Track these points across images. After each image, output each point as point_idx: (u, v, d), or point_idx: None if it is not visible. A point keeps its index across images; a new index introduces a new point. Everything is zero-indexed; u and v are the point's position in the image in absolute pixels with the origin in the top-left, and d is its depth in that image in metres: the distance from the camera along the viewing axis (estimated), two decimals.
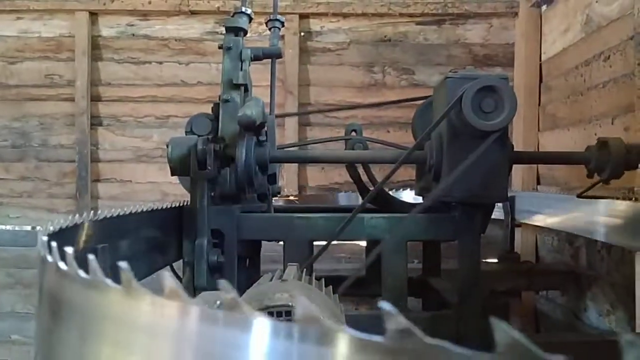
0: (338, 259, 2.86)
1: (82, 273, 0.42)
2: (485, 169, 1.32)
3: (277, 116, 1.89)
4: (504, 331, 0.31)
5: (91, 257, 0.41)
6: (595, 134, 1.95)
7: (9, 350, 3.00)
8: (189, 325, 0.35)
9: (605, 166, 1.42)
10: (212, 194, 1.43)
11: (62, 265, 0.46)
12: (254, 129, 1.35)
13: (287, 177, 2.91)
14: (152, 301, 0.36)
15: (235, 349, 0.33)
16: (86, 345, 0.41)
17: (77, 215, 0.97)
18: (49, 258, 0.49)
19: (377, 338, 0.30)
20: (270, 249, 1.86)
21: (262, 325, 0.33)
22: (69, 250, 0.45)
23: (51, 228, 0.78)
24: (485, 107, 1.26)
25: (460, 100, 1.25)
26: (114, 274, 0.45)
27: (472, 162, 1.26)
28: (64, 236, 0.67)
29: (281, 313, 0.81)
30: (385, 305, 0.32)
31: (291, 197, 1.76)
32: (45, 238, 0.57)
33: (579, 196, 1.69)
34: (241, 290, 1.31)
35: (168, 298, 0.36)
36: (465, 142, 1.32)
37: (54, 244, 0.48)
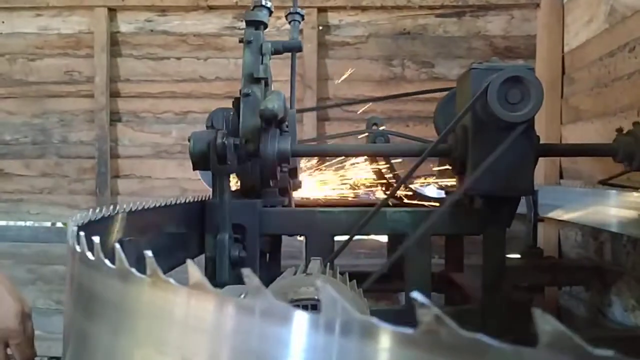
0: (358, 254, 2.84)
1: (116, 265, 0.41)
2: (511, 161, 1.29)
3: (297, 111, 1.88)
4: (547, 322, 0.29)
5: (117, 247, 0.40)
6: (621, 127, 1.91)
7: None
8: (226, 318, 0.33)
9: (633, 156, 1.39)
10: (238, 188, 1.42)
11: (93, 257, 0.45)
12: (276, 122, 1.34)
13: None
14: (187, 294, 0.35)
15: (273, 343, 0.32)
16: (118, 339, 0.40)
17: (99, 209, 0.97)
18: (80, 250, 0.48)
19: (421, 333, 0.28)
20: (289, 244, 1.85)
21: (301, 318, 0.31)
22: (98, 241, 0.44)
23: (79, 220, 0.77)
24: (511, 98, 1.23)
25: (486, 92, 1.23)
26: (139, 268, 0.44)
27: (498, 154, 1.23)
28: (89, 229, 0.66)
29: (307, 306, 0.80)
30: (417, 295, 0.30)
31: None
32: (75, 230, 0.56)
33: (601, 182, 1.66)
34: (264, 285, 1.29)
35: (199, 290, 0.35)
36: (491, 134, 1.29)
37: (95, 238, 0.47)
